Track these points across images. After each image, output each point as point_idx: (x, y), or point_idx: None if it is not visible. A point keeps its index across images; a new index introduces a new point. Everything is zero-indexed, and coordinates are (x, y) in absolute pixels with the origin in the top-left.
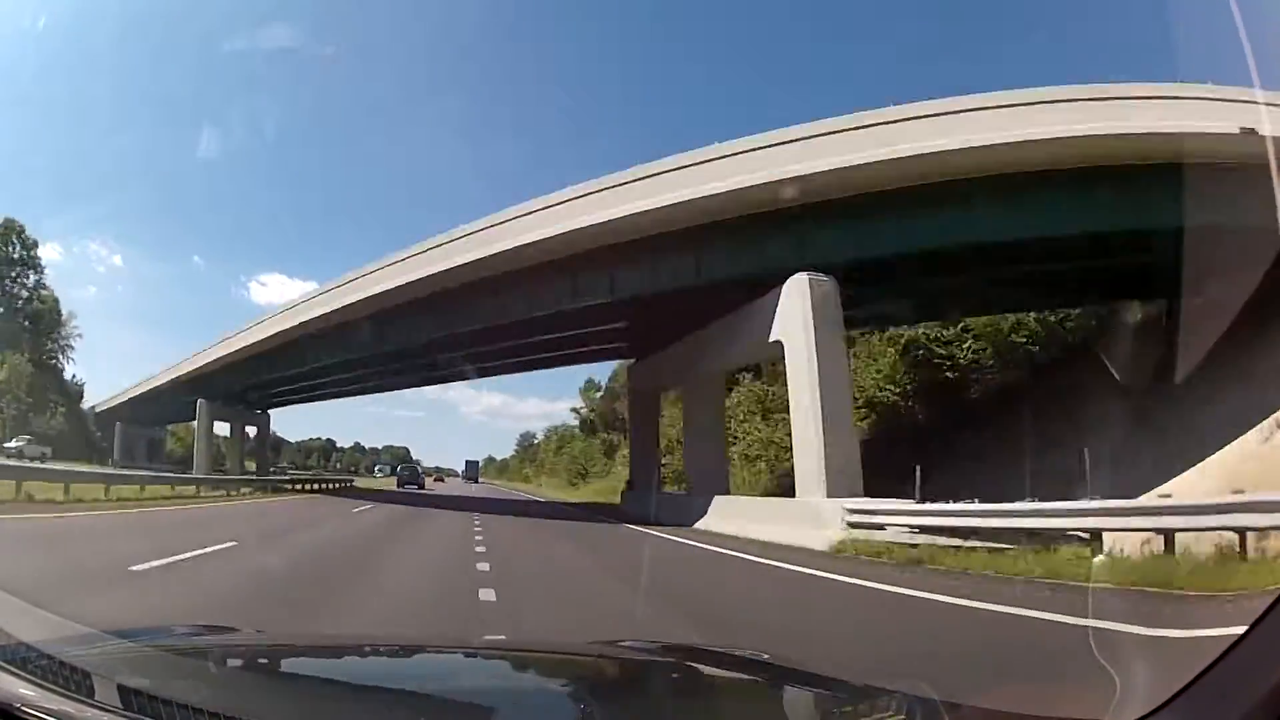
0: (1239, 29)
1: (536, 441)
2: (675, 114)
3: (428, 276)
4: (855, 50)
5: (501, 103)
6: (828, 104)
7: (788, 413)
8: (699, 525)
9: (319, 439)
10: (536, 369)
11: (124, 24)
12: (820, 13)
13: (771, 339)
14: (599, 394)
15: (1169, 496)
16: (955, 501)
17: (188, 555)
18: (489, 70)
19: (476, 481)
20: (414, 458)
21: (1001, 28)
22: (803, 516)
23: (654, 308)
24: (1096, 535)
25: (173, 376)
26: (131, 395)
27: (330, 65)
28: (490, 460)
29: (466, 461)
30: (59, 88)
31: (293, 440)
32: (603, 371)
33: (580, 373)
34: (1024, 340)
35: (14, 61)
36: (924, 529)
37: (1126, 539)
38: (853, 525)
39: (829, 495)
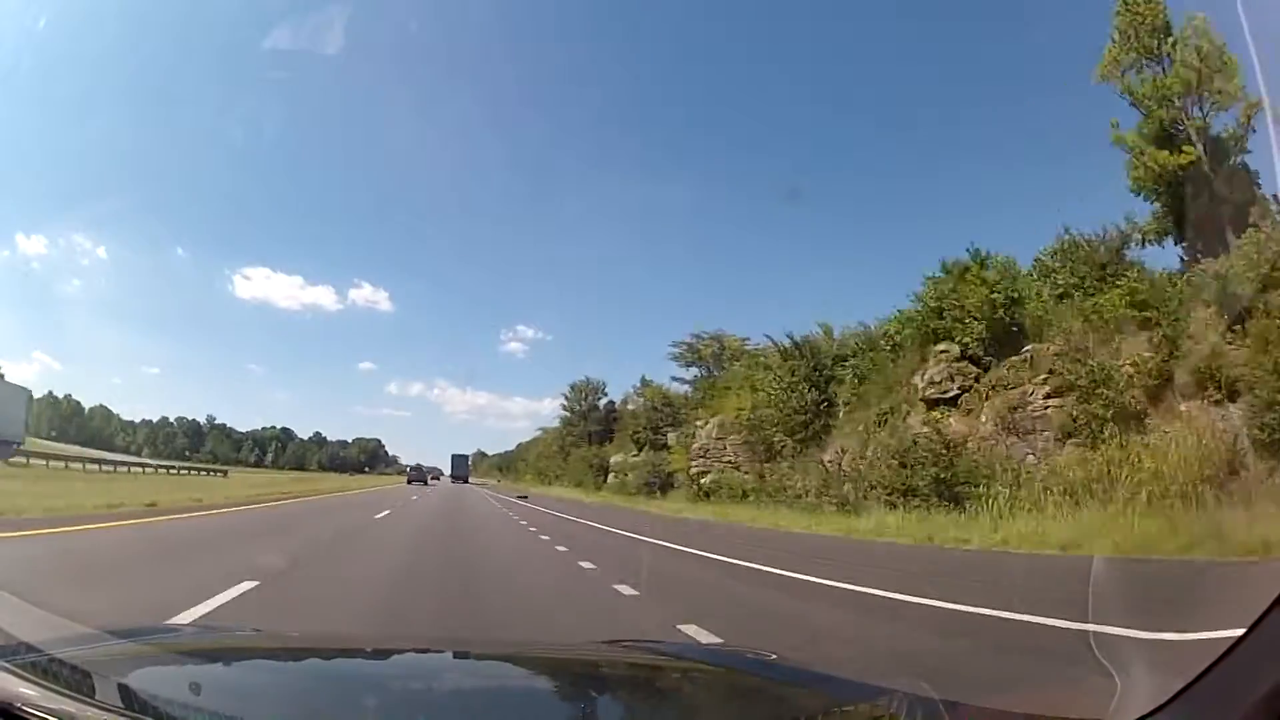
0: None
1: (609, 403)
2: (674, 115)
3: None
4: (859, 42)
5: (492, 103)
6: (833, 97)
7: None
8: None
9: (273, 428)
10: None
11: (121, 24)
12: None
13: None
14: None
15: None
16: None
17: None
18: (481, 71)
19: (466, 481)
20: (391, 453)
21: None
22: None
23: None
24: None
25: None
26: None
27: (319, 63)
28: (482, 455)
29: (454, 456)
30: (49, 84)
31: (243, 429)
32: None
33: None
34: None
35: (10, 58)
36: None
37: None
38: None
39: None
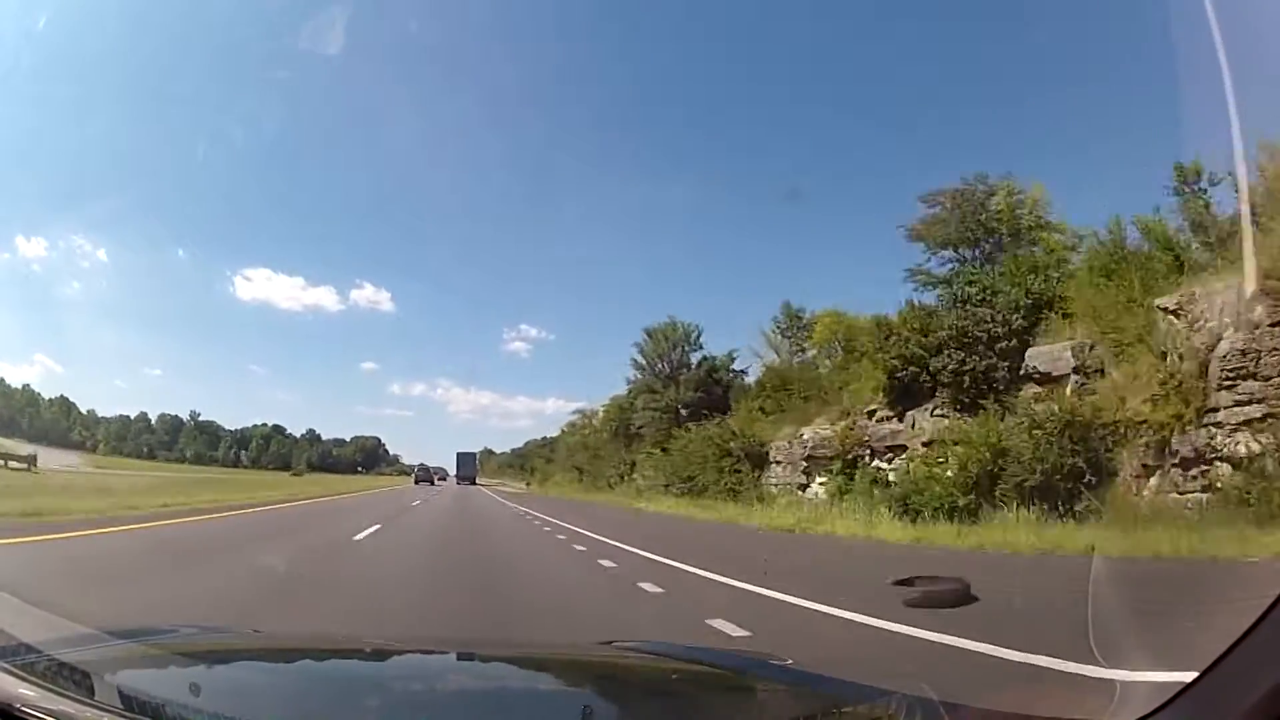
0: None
1: (705, 359)
2: (673, 114)
3: None
4: (859, 43)
5: (492, 103)
6: (833, 97)
7: None
8: None
9: (264, 425)
10: None
11: (120, 23)
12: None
13: None
14: None
15: None
16: None
17: None
18: (481, 70)
19: (474, 482)
20: (392, 453)
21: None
22: None
23: None
24: None
25: None
26: None
27: (319, 63)
28: (489, 453)
29: (459, 455)
30: (49, 85)
31: (227, 426)
32: None
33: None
34: None
35: (9, 58)
36: None
37: None
38: None
39: None
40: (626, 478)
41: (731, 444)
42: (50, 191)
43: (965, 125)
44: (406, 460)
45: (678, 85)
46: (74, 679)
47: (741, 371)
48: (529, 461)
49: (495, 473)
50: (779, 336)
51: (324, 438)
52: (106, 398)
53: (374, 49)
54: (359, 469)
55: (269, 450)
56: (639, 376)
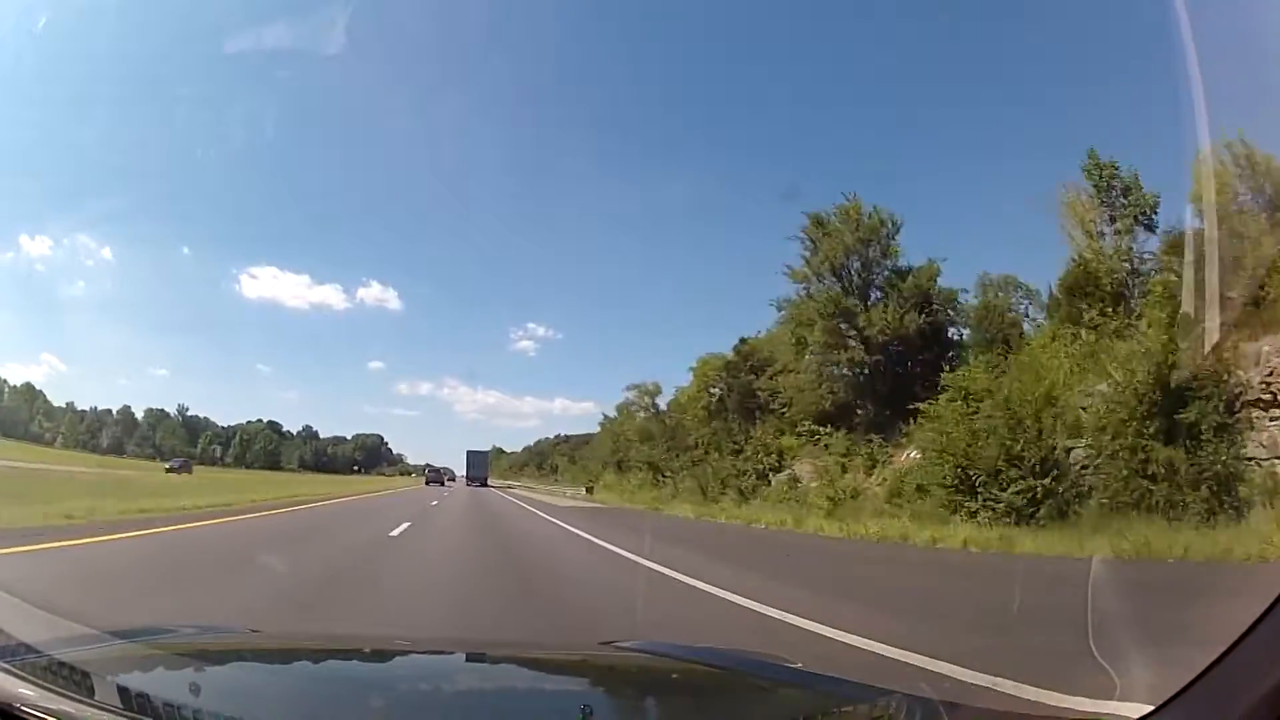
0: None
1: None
2: (677, 114)
3: None
4: (856, 41)
5: (496, 102)
6: (831, 97)
7: None
8: None
9: (259, 421)
10: None
11: (121, 21)
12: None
13: None
14: None
15: None
16: None
17: None
18: (482, 69)
19: (485, 483)
20: (396, 452)
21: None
22: None
23: None
24: None
25: None
26: None
27: (323, 62)
28: (499, 452)
29: (469, 453)
30: (54, 84)
31: (223, 424)
32: None
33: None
34: None
35: (11, 58)
36: None
37: None
38: None
39: None
40: (772, 476)
41: (1192, 379)
42: (53, 190)
43: (965, 125)
44: (411, 460)
45: (678, 85)
46: (74, 679)
47: (956, 295)
48: (549, 459)
49: (506, 473)
50: (1099, 205)
51: (322, 435)
52: (110, 396)
53: (379, 48)
54: (356, 468)
55: (254, 447)
56: (799, 295)
